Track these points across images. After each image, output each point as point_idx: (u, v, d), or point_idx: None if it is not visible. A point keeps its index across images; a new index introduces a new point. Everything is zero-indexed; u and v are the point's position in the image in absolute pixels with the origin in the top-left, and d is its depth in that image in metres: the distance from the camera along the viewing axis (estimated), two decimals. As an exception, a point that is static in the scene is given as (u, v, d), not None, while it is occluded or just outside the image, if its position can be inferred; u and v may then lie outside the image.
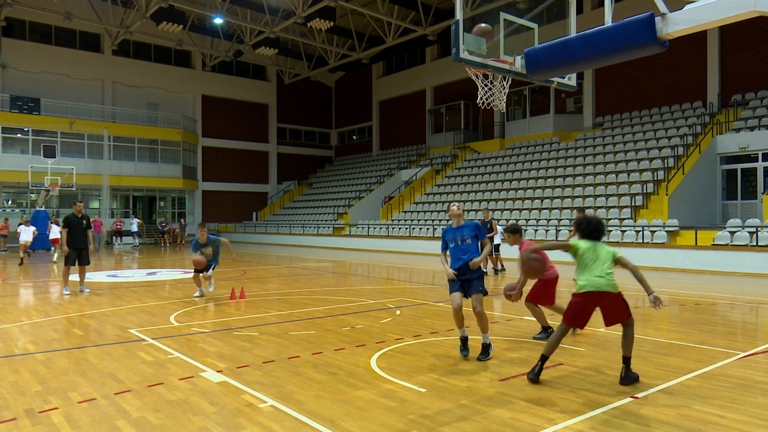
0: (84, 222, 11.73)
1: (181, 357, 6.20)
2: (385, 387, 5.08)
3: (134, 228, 31.25)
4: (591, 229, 5.26)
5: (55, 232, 21.53)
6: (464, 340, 6.18)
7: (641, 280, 5.05)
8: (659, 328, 7.77)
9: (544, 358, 5.20)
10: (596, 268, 5.08)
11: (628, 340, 5.14)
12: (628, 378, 5.09)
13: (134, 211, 37.19)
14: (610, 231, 19.05)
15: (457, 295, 6.03)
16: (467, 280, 6.02)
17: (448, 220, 24.99)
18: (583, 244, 5.24)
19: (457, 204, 6.23)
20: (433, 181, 32.42)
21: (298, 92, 45.03)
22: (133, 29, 33.09)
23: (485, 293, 6.01)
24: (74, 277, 12.65)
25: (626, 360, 5.12)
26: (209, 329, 7.82)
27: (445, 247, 6.24)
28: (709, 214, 21.30)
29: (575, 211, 15.96)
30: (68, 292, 11.52)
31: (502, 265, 16.19)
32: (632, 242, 18.22)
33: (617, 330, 7.53)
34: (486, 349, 6.08)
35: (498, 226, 15.91)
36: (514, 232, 7.03)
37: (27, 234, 20.57)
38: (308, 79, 44.47)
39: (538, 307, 7.02)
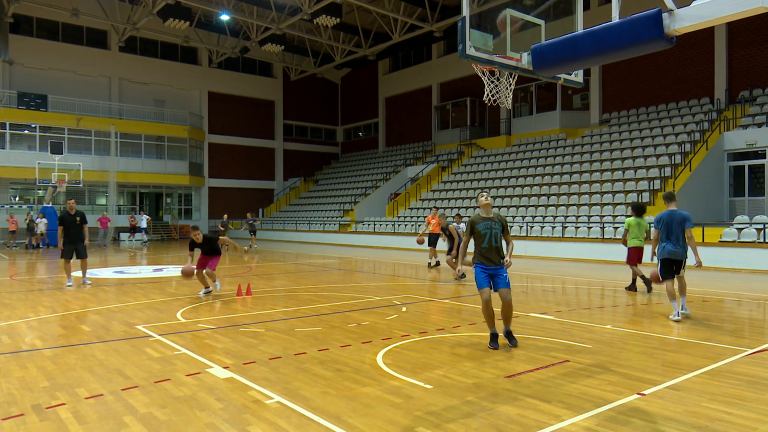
0: (77, 219, 12.38)
1: (188, 353, 6.22)
2: (391, 383, 5.09)
3: (143, 224, 31.51)
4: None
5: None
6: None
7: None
8: (666, 324, 7.75)
9: None
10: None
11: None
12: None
13: (141, 207, 37.36)
14: (617, 228, 18.99)
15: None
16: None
17: (453, 217, 24.96)
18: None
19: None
20: (439, 177, 32.38)
21: (304, 89, 45.02)
22: (139, 26, 33.19)
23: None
24: (77, 273, 13.11)
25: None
26: (216, 326, 7.85)
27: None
28: (716, 211, 21.19)
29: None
30: (71, 284, 12.02)
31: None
32: (639, 239, 18.12)
33: (621, 327, 7.53)
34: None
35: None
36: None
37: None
38: (314, 76, 44.43)
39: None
